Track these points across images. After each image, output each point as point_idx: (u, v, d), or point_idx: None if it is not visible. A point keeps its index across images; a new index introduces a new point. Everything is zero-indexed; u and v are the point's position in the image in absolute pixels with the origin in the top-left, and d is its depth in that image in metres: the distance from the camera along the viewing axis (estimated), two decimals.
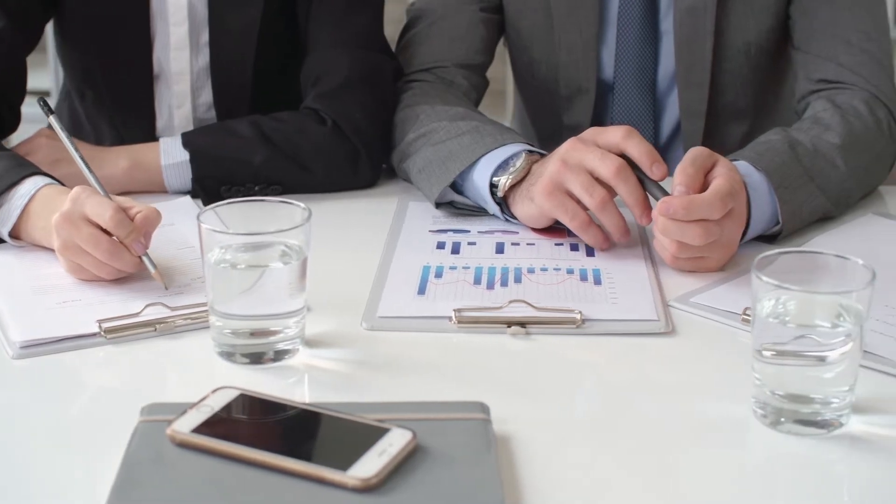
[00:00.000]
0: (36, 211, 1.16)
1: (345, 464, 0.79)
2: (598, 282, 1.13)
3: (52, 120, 1.14)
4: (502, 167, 1.24)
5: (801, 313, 0.89)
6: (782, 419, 0.89)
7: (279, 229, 0.97)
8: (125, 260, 1.09)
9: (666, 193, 1.15)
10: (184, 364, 1.01)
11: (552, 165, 1.18)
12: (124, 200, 1.12)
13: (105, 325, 1.02)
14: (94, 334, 1.02)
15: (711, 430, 0.90)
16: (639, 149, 1.16)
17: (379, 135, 1.40)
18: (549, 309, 1.06)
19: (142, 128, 1.47)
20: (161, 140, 1.37)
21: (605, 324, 1.05)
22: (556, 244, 1.23)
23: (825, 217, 1.30)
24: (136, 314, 1.04)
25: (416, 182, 1.36)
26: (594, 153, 1.16)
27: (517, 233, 1.26)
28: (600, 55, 1.53)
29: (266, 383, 0.96)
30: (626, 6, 1.50)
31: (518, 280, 1.14)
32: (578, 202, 1.18)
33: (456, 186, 1.30)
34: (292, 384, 0.97)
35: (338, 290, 1.12)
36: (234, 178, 1.34)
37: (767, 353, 0.89)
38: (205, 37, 1.44)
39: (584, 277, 1.14)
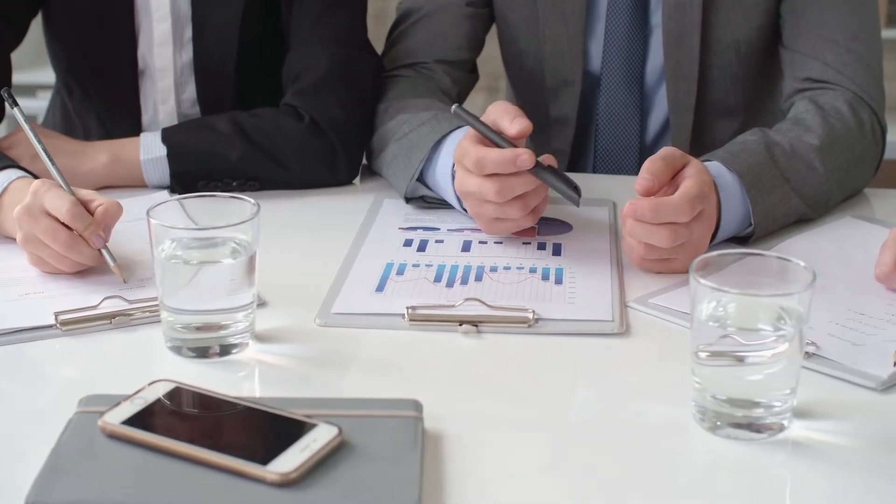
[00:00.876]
0: (7, 203, 1.17)
1: (266, 458, 0.79)
2: (559, 281, 1.12)
3: (17, 113, 1.15)
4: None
5: (742, 316, 0.88)
6: (718, 423, 0.88)
7: (227, 224, 0.98)
8: (84, 253, 1.10)
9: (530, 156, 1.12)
10: (136, 357, 1.02)
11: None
12: (87, 193, 1.12)
13: (61, 318, 1.03)
14: (50, 326, 1.03)
15: (650, 432, 0.89)
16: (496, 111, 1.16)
17: (356, 131, 1.40)
18: (503, 308, 1.05)
19: (128, 123, 1.48)
20: (142, 135, 1.38)
21: (558, 323, 1.04)
22: (524, 243, 1.22)
23: (803, 219, 1.28)
24: (94, 307, 1.05)
25: (387, 177, 1.36)
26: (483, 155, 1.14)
27: None
28: (588, 48, 1.52)
29: (214, 377, 0.96)
30: None
31: (479, 279, 1.13)
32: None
33: (425, 181, 1.30)
34: (240, 379, 0.98)
35: (299, 285, 1.13)
36: (211, 173, 1.35)
37: (703, 356, 0.88)
38: (188, 33, 1.46)
39: (545, 277, 1.13)
